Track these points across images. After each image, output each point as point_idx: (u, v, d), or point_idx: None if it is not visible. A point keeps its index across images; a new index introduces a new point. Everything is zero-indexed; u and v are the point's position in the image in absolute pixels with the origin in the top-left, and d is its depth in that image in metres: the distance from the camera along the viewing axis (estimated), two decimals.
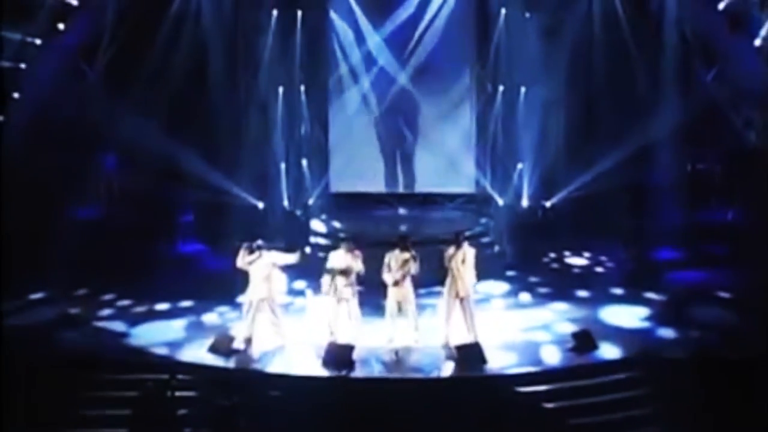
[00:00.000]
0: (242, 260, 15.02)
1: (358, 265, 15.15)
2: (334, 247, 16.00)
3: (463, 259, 15.08)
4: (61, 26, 18.98)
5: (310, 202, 22.26)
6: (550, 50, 21.68)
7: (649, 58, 20.69)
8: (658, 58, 20.58)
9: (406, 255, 15.15)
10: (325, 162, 22.53)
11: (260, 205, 21.59)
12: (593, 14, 21.09)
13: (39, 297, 17.76)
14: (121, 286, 18.24)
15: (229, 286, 16.47)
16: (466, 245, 15.22)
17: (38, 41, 18.70)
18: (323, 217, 21.59)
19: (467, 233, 15.72)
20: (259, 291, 15.04)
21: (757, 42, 18.58)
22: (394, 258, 15.17)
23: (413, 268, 15.12)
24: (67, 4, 18.89)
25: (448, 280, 15.22)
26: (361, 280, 15.32)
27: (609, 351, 14.75)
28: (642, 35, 20.70)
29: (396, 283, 15.12)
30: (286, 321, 15.67)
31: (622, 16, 20.73)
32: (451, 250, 15.17)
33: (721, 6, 18.90)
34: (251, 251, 15.04)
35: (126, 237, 19.91)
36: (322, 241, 20.22)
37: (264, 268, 15.04)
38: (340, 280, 15.12)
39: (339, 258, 15.26)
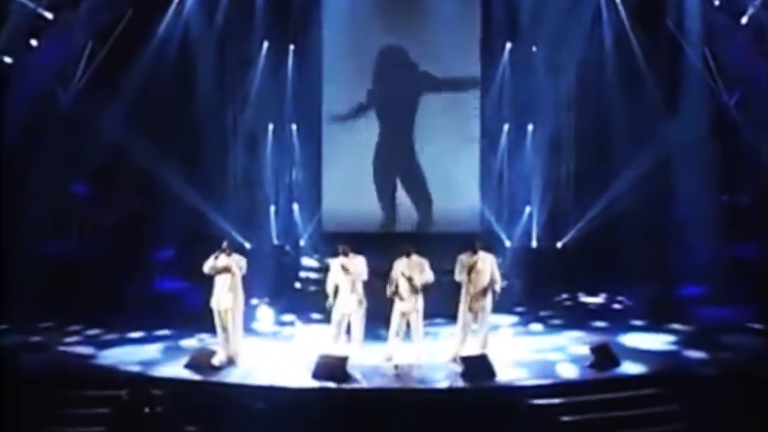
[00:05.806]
0: (207, 265, 14.34)
1: (358, 269, 14.15)
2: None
3: (480, 266, 14.05)
4: (34, 43, 17.59)
5: (302, 242, 20.72)
6: (559, 84, 20.40)
7: (665, 84, 19.30)
8: (675, 83, 19.17)
9: (414, 262, 14.13)
10: (317, 200, 20.87)
11: (247, 244, 19.88)
12: (604, 43, 19.68)
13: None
14: (92, 319, 17.21)
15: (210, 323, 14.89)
16: (481, 252, 14.20)
17: (8, 59, 17.32)
18: (316, 256, 20.15)
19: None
20: (224, 300, 14.32)
21: None
22: (404, 266, 14.13)
23: (427, 275, 14.05)
24: (40, 17, 17.43)
25: (462, 291, 14.16)
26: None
27: (631, 368, 13.74)
28: (656, 59, 19.32)
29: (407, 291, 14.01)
30: (274, 345, 15.35)
31: (633, 41, 19.33)
32: (466, 257, 14.15)
33: (744, 20, 17.61)
34: (217, 256, 14.34)
35: (102, 272, 18.80)
36: (312, 275, 19.32)
37: (229, 275, 14.32)
38: (344, 288, 14.17)
39: (338, 264, 14.31)
